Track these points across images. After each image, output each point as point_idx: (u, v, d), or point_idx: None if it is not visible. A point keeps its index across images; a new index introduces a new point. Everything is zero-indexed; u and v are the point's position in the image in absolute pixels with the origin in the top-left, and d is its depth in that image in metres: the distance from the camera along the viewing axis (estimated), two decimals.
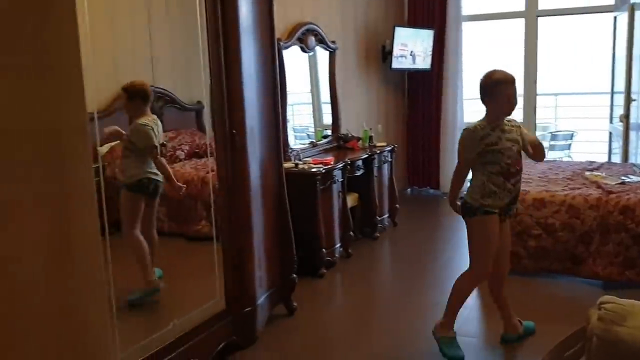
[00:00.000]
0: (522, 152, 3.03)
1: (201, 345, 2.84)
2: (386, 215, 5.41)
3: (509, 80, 2.88)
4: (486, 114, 2.93)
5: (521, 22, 6.51)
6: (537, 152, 3.10)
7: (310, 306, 3.78)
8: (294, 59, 4.80)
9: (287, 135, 4.59)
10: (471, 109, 7.45)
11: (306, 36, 4.85)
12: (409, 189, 6.98)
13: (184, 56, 3.24)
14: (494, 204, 2.92)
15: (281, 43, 4.41)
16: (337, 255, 4.53)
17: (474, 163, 2.94)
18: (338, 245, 4.55)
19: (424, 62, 6.41)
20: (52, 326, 1.42)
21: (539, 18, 6.44)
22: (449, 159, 6.64)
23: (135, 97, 2.81)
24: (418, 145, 6.84)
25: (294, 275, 3.59)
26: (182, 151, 3.48)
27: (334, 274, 4.41)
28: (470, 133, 2.89)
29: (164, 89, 3.12)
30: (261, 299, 3.29)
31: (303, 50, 4.88)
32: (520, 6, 6.48)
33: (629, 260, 3.86)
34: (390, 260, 5.02)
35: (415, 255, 4.86)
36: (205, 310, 2.95)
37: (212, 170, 3.09)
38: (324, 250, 4.26)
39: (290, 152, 4.53)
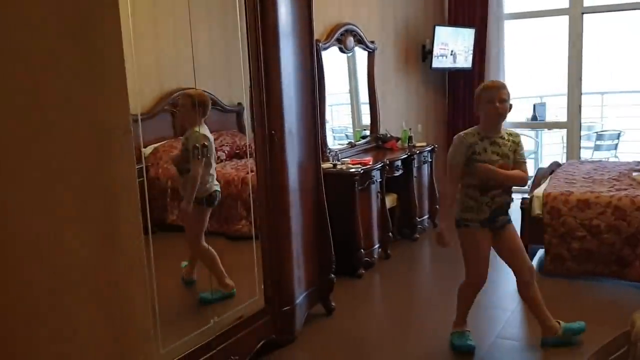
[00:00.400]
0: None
1: (241, 343, 2.89)
2: (426, 217, 5.36)
3: (493, 86, 2.91)
4: (480, 123, 2.97)
5: (565, 19, 6.36)
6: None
7: (348, 306, 3.78)
8: (332, 59, 4.82)
9: (325, 136, 4.60)
10: (514, 109, 7.33)
11: (345, 37, 4.85)
12: None
13: (224, 58, 3.30)
14: (473, 217, 2.95)
15: (320, 44, 4.43)
16: (375, 256, 4.52)
17: (460, 172, 2.94)
18: (377, 246, 4.54)
19: (465, 61, 6.33)
20: (96, 319, 1.47)
21: (584, 15, 6.27)
22: None
23: (200, 105, 2.86)
24: None
25: (332, 276, 3.61)
26: (223, 152, 3.54)
27: (373, 274, 4.40)
28: (462, 138, 2.92)
29: (205, 91, 3.19)
30: (300, 299, 3.31)
31: (342, 50, 4.89)
32: (565, 3, 6.33)
33: None
34: (429, 261, 4.98)
35: (455, 256, 4.76)
36: (245, 308, 2.99)
37: (252, 171, 3.13)
38: (362, 250, 4.26)
39: (329, 153, 4.54)
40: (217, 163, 3.40)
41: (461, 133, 2.96)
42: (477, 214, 2.94)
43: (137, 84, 2.43)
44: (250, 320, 2.98)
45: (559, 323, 3.16)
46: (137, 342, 1.59)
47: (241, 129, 3.63)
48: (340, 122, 5.65)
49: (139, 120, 2.42)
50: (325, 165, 4.12)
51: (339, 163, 4.35)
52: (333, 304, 3.66)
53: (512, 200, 3.08)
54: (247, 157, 3.43)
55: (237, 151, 3.63)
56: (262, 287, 3.11)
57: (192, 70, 2.75)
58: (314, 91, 3.43)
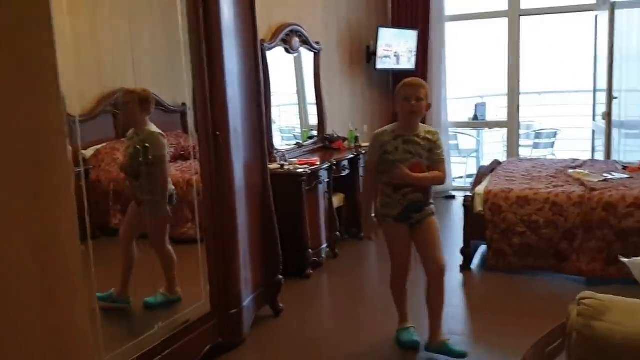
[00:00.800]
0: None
1: (187, 348, 2.83)
2: (372, 215, 5.40)
3: (411, 84, 2.92)
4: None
5: (504, 21, 6.56)
6: (429, 173, 2.99)
7: (296, 307, 3.78)
8: (278, 60, 4.81)
9: (272, 136, 4.58)
10: (456, 108, 7.52)
11: (290, 37, 4.85)
12: None
13: (167, 58, 3.23)
14: (388, 213, 3.02)
15: (265, 44, 4.41)
16: (323, 256, 4.54)
17: (375, 170, 3.01)
18: (324, 245, 4.55)
19: (408, 62, 6.44)
20: (34, 324, 1.41)
21: (522, 17, 6.48)
22: None
23: (144, 102, 2.81)
24: None
25: (280, 277, 3.59)
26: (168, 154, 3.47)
27: (321, 274, 4.42)
28: (376, 136, 2.98)
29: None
30: (247, 301, 3.28)
31: (287, 51, 4.89)
32: (503, 6, 6.53)
33: (612, 257, 3.90)
34: (376, 259, 5.02)
35: None
36: (190, 312, 2.94)
37: (197, 173, 3.09)
38: (310, 251, 4.26)
39: (276, 153, 4.53)
40: None
41: (378, 130, 3.01)
42: (391, 210, 3.00)
43: (75, 85, 2.36)
44: (196, 324, 2.93)
45: (446, 339, 3.07)
46: (77, 350, 1.53)
47: (186, 129, 3.57)
48: (288, 122, 5.65)
49: (77, 122, 2.34)
50: (273, 165, 4.10)
51: (287, 163, 4.34)
52: (281, 305, 3.65)
53: (426, 197, 3.02)
54: (192, 159, 3.38)
55: (182, 152, 3.56)
56: (208, 290, 3.06)
57: (133, 70, 2.68)
58: (259, 91, 3.41)
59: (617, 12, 5.59)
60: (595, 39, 6.25)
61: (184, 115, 3.49)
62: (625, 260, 1.25)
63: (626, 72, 5.93)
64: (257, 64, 3.38)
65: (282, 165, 4.29)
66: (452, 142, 7.27)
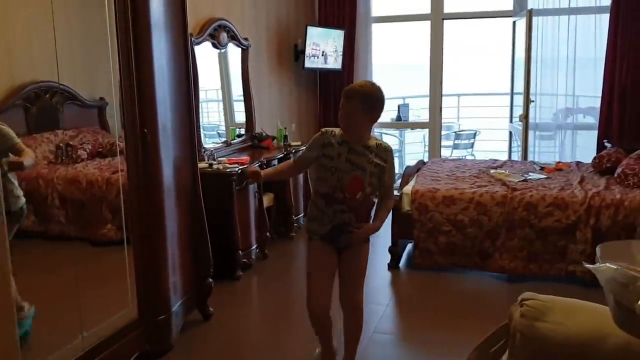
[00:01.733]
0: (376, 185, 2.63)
1: (113, 357, 2.68)
2: (302, 215, 5.39)
3: (343, 93, 2.53)
4: None
5: (427, 24, 6.71)
6: (381, 203, 2.72)
7: (226, 310, 3.68)
8: (205, 55, 4.67)
9: (200, 134, 4.44)
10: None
11: (218, 32, 4.72)
12: None
13: (84, 49, 3.04)
14: (315, 229, 2.65)
15: (193, 39, 4.27)
16: (253, 257, 4.45)
17: (307, 165, 2.74)
18: (254, 246, 4.47)
19: (335, 62, 6.45)
20: None
21: (445, 21, 6.66)
22: None
23: None
24: None
25: (210, 280, 3.48)
26: (85, 150, 3.26)
27: (251, 276, 4.33)
28: (322, 134, 2.62)
29: (62, 84, 2.92)
30: (176, 306, 3.15)
31: (215, 46, 4.75)
32: (427, 9, 6.68)
33: (533, 254, 4.07)
34: (306, 260, 5.00)
35: None
36: (116, 320, 2.79)
37: (122, 170, 2.93)
38: (240, 252, 4.17)
39: (204, 152, 4.39)
40: (77, 162, 3.14)
41: (327, 129, 2.66)
42: (320, 227, 2.63)
43: None
44: (122, 332, 2.79)
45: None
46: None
47: (104, 125, 3.38)
48: (212, 119, 5.51)
49: None
50: (201, 165, 3.96)
51: (215, 163, 4.22)
52: (211, 309, 3.54)
53: (359, 221, 2.63)
54: (111, 156, 3.21)
55: (100, 149, 3.37)
56: (135, 296, 2.91)
57: (48, 62, 2.49)
58: (189, 87, 3.29)
59: (534, 19, 5.86)
60: (513, 44, 6.52)
61: (102, 111, 3.31)
62: (590, 266, 1.28)
63: (541, 76, 6.22)
64: (187, 60, 3.25)
65: (210, 165, 4.16)
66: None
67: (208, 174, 3.99)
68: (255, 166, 2.61)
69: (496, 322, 1.80)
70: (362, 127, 2.53)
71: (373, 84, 2.57)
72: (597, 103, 5.95)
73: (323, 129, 2.66)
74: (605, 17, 5.75)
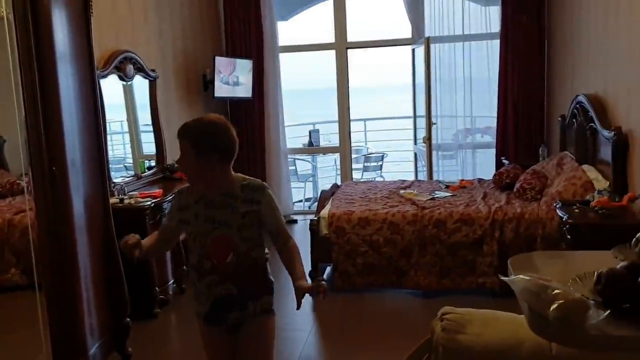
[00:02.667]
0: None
1: None
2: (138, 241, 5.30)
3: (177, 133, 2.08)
4: None
5: (332, 53, 6.93)
6: (283, 254, 2.14)
7: (145, 350, 3.55)
8: (111, 87, 4.56)
9: (110, 169, 4.30)
10: (292, 135, 7.75)
11: (124, 64, 4.62)
12: None
13: None
14: (198, 309, 2.19)
15: (98, 72, 4.15)
16: (170, 292, 4.33)
17: (171, 236, 2.25)
18: (171, 281, 4.36)
19: (245, 91, 6.50)
20: None
21: (349, 50, 6.90)
22: (275, 185, 6.77)
23: None
24: (244, 172, 6.80)
25: (128, 319, 3.36)
26: None
27: (169, 312, 4.21)
28: (176, 195, 2.20)
29: None
30: (93, 349, 3.02)
31: (121, 78, 4.65)
32: (331, 39, 6.90)
33: (445, 269, 4.27)
34: None
35: None
36: None
37: (31, 209, 2.79)
38: (157, 288, 4.05)
39: (114, 187, 4.25)
40: None
41: (181, 187, 2.21)
42: (200, 306, 2.16)
43: None
44: None
45: None
46: None
47: (2, 164, 3.22)
48: (118, 152, 5.36)
49: None
50: (112, 200, 3.83)
51: (127, 197, 4.10)
52: (130, 349, 3.40)
53: (247, 291, 2.11)
54: (12, 196, 3.06)
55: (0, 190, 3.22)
56: (49, 342, 2.76)
57: None
58: (97, 121, 3.21)
59: (432, 46, 6.21)
60: (414, 70, 6.88)
61: (1, 149, 3.17)
62: (505, 279, 1.38)
63: (440, 99, 6.58)
64: (95, 93, 3.18)
65: (122, 200, 4.04)
66: (291, 168, 7.45)
67: (120, 209, 3.87)
68: (134, 235, 2.17)
69: (418, 338, 1.88)
70: (209, 170, 2.03)
71: (209, 116, 2.12)
72: (494, 122, 6.37)
73: (179, 189, 2.21)
74: (496, 43, 6.20)
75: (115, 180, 4.40)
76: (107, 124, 4.73)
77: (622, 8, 3.81)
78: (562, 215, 3.52)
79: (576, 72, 5.04)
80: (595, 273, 1.35)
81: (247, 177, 2.16)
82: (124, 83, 4.80)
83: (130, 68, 4.71)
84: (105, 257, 3.24)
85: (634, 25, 3.57)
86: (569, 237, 3.37)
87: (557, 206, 3.73)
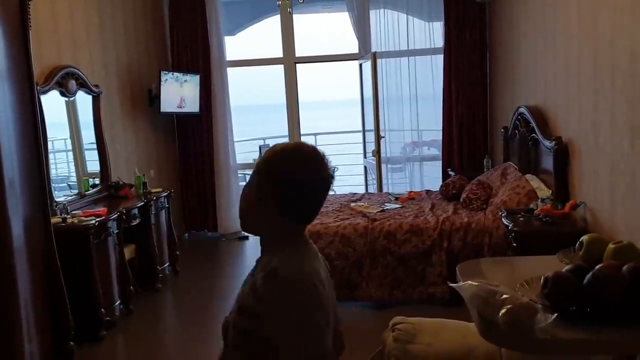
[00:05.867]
0: None
1: None
2: (167, 264, 5.21)
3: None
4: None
5: (281, 68, 6.94)
6: None
7: None
8: (52, 103, 4.42)
9: (51, 188, 4.15)
10: (242, 150, 7.69)
11: (66, 80, 4.49)
12: (186, 234, 6.85)
13: None
14: None
15: (38, 88, 4.01)
16: (117, 314, 4.19)
17: None
18: (117, 302, 4.22)
19: (192, 105, 6.42)
20: None
21: (297, 65, 6.93)
22: (225, 201, 6.70)
23: None
24: (193, 189, 6.78)
25: (72, 343, 3.23)
26: None
27: (115, 334, 4.06)
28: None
29: None
30: None
31: (63, 94, 4.51)
32: (279, 53, 6.91)
33: (396, 281, 4.29)
34: (173, 312, 4.82)
35: (198, 302, 4.75)
36: None
37: None
38: (102, 310, 3.91)
39: (56, 206, 4.10)
40: None
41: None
42: None
43: None
44: None
45: None
46: None
47: None
48: (61, 170, 5.19)
49: None
50: (54, 220, 3.70)
51: (69, 216, 3.96)
52: None
53: None
54: None
55: None
56: None
57: None
58: (37, 139, 3.09)
59: (379, 60, 6.31)
60: (361, 84, 6.96)
61: None
62: (454, 285, 1.39)
63: (388, 113, 6.68)
64: (34, 110, 3.07)
65: (64, 219, 3.90)
66: (241, 184, 7.38)
67: (62, 229, 3.73)
68: None
69: (371, 350, 1.88)
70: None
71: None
72: (439, 135, 6.51)
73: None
74: (440, 58, 6.36)
75: (57, 200, 4.24)
76: (50, 142, 4.60)
77: (558, 24, 3.97)
78: (507, 224, 3.61)
79: (517, 85, 5.21)
80: (542, 277, 1.38)
81: None
82: (67, 99, 4.66)
83: (72, 84, 4.58)
84: (47, 280, 3.12)
85: (571, 38, 3.72)
86: (514, 244, 3.45)
87: (503, 215, 3.82)
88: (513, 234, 3.48)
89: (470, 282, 1.27)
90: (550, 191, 3.97)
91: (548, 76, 4.24)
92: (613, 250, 1.48)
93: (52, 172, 4.87)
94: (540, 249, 3.41)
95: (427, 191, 5.80)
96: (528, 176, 4.45)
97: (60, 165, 5.16)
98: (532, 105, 4.55)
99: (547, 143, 4.01)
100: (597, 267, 1.38)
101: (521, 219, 3.63)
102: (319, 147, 1.45)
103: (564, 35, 3.85)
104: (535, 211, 3.63)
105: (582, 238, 1.48)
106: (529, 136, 4.51)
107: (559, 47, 3.96)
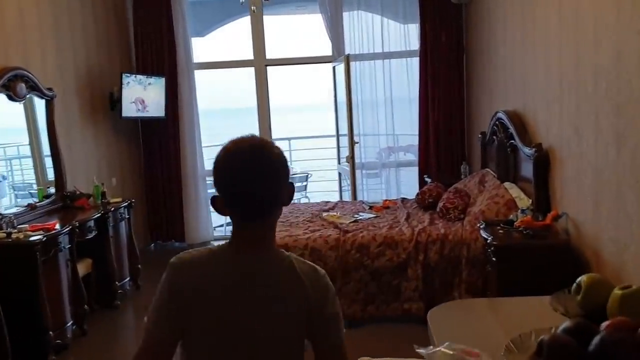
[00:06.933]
0: None
1: None
2: (127, 279, 4.89)
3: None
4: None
5: (251, 70, 6.67)
6: None
7: None
8: (3, 108, 4.11)
9: None
10: (211, 156, 7.38)
11: (14, 83, 4.17)
12: (152, 245, 6.52)
13: None
14: None
15: None
16: (69, 335, 3.86)
17: None
18: (70, 323, 3.89)
19: (157, 110, 6.11)
20: None
21: (268, 67, 6.66)
22: (193, 209, 6.42)
23: None
24: (159, 197, 6.46)
25: None
26: None
27: (67, 358, 3.75)
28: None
29: None
30: None
31: (11, 98, 4.19)
32: (249, 55, 6.64)
33: (369, 296, 4.05)
34: (132, 330, 4.49)
35: None
36: None
37: None
38: (51, 333, 3.59)
39: (2, 220, 3.78)
40: None
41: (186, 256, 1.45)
42: None
43: None
44: None
45: None
46: None
47: None
48: (23, 178, 4.87)
49: None
50: None
51: (15, 231, 3.64)
52: None
53: None
54: None
55: None
56: None
57: None
58: None
59: (352, 63, 6.07)
60: (335, 88, 6.71)
61: None
62: (422, 351, 1.14)
63: (363, 118, 6.46)
64: None
65: (9, 234, 3.58)
66: (210, 191, 7.08)
67: (6, 245, 3.43)
68: None
69: None
70: None
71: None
72: (416, 140, 6.30)
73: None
74: (416, 60, 6.15)
75: (2, 212, 3.92)
76: (13, 148, 4.29)
77: (538, 24, 3.77)
78: (486, 237, 3.39)
79: (495, 89, 5.01)
80: (534, 339, 1.11)
81: None
82: (20, 103, 4.35)
83: (21, 87, 4.26)
84: None
85: (550, 41, 3.52)
86: (494, 259, 3.24)
87: (481, 227, 3.60)
88: (492, 248, 3.26)
89: (442, 349, 1.02)
90: (530, 201, 3.76)
91: (527, 79, 4.04)
92: (620, 298, 1.20)
93: (16, 179, 4.57)
94: (521, 263, 3.22)
95: (403, 199, 5.56)
96: (507, 184, 4.25)
97: (25, 173, 4.86)
98: (511, 110, 4.35)
99: (526, 150, 3.81)
100: (605, 328, 1.12)
101: (501, 231, 3.41)
102: (263, 143, 1.41)
103: (543, 34, 3.65)
104: (515, 223, 3.41)
105: (579, 279, 1.22)
106: (507, 142, 4.31)
107: (538, 47, 3.77)
